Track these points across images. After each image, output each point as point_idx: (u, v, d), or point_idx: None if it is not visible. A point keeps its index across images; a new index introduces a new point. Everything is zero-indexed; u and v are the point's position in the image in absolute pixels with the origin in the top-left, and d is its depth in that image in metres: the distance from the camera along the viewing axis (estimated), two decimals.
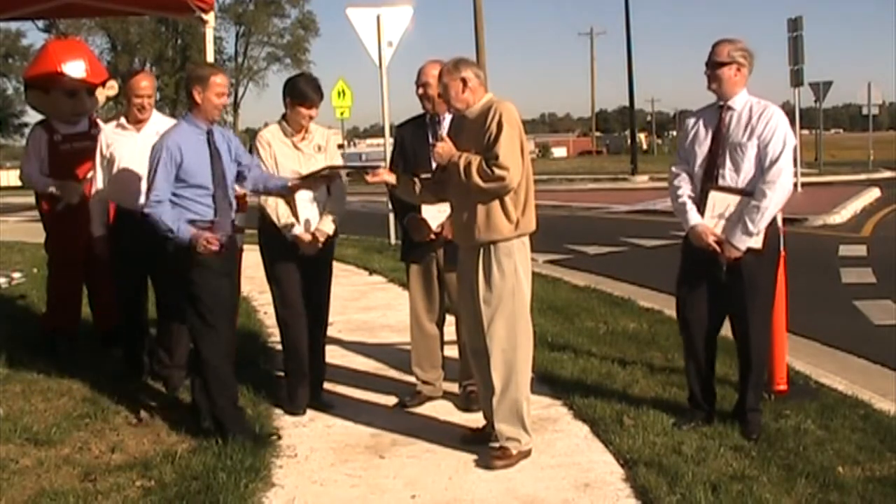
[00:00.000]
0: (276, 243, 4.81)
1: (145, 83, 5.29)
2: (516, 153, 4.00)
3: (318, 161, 4.81)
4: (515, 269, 4.10)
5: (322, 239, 4.79)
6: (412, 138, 4.89)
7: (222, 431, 4.30)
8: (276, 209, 4.76)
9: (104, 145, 5.30)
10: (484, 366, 4.19)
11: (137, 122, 5.28)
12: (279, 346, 6.46)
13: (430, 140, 4.77)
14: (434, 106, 4.78)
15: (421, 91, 4.79)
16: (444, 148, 4.14)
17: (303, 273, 4.86)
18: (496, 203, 4.04)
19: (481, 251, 4.11)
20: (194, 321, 4.40)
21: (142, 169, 5.19)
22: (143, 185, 5.17)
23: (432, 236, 4.77)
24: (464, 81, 4.11)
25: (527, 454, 4.15)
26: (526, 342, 4.17)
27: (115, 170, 5.25)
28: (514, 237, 4.09)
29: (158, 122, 5.34)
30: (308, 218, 4.78)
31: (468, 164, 4.00)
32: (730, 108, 4.35)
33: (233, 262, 4.69)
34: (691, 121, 4.54)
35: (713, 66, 4.33)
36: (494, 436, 4.14)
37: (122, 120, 5.35)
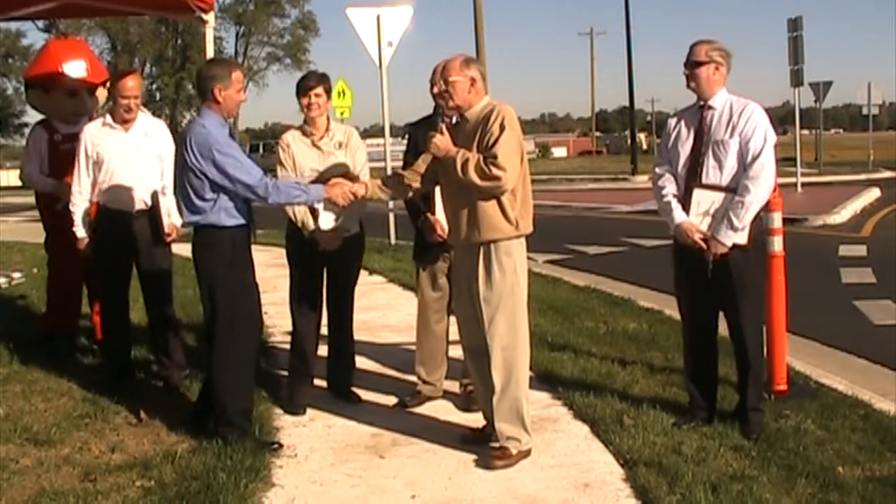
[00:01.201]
0: (297, 244, 4.91)
1: (132, 83, 5.20)
2: (515, 156, 4.02)
3: (338, 158, 4.88)
4: (515, 268, 4.12)
5: (341, 236, 4.83)
6: (424, 136, 4.88)
7: (224, 438, 4.24)
8: (294, 206, 4.83)
9: (89, 145, 5.20)
10: (482, 365, 4.19)
11: (124, 122, 5.22)
12: (279, 346, 6.47)
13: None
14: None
15: (436, 90, 4.76)
16: (442, 141, 4.15)
17: (323, 274, 4.94)
18: (494, 203, 4.05)
19: (481, 251, 4.12)
20: (222, 327, 4.30)
21: (132, 169, 5.16)
22: (134, 186, 5.15)
23: (445, 236, 4.76)
24: (472, 81, 4.15)
25: (527, 454, 4.15)
26: (525, 341, 4.18)
27: (103, 170, 5.17)
28: (514, 237, 4.10)
29: (146, 122, 5.31)
30: (324, 213, 4.81)
31: (465, 161, 4.02)
32: (710, 107, 4.39)
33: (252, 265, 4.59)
34: (673, 122, 4.57)
35: (691, 65, 4.38)
36: (495, 435, 4.14)
37: (108, 119, 5.26)
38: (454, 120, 4.72)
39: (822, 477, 3.79)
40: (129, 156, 5.17)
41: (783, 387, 4.98)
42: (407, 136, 5.07)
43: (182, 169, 4.29)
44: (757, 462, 4.00)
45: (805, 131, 39.98)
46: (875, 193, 20.32)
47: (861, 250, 11.48)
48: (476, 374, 4.34)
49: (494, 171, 3.96)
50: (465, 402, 4.93)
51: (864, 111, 34.62)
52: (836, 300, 8.29)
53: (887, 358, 6.05)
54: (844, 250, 11.47)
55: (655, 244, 12.20)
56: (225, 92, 4.27)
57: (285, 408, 4.94)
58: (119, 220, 5.18)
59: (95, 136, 5.22)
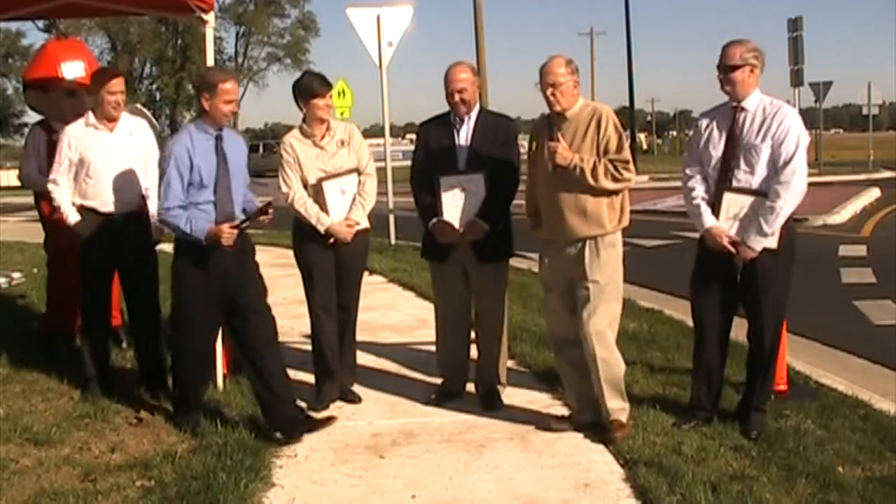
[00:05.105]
0: (308, 243, 4.91)
1: (118, 79, 5.11)
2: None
3: (341, 156, 4.89)
4: (618, 256, 4.42)
5: (354, 227, 4.87)
6: (438, 136, 4.88)
7: (180, 425, 4.52)
8: (305, 205, 4.84)
9: (72, 145, 5.05)
10: (574, 354, 4.45)
11: (110, 122, 5.12)
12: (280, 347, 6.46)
13: (455, 139, 4.82)
14: (469, 108, 4.77)
15: (457, 98, 4.72)
16: (566, 151, 4.30)
17: (333, 273, 4.94)
18: (604, 201, 4.31)
19: (586, 244, 4.34)
20: (174, 316, 4.56)
21: (118, 170, 5.08)
22: (120, 187, 5.08)
23: (456, 238, 4.76)
24: (576, 83, 4.35)
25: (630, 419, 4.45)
26: (616, 325, 4.46)
27: (88, 172, 5.07)
28: (617, 230, 4.37)
29: (129, 122, 5.24)
30: (338, 208, 4.86)
31: (594, 168, 4.25)
32: (743, 109, 4.32)
33: (232, 262, 4.56)
34: (704, 122, 4.49)
35: (725, 70, 4.29)
36: (606, 412, 4.39)
37: (92, 119, 5.11)
38: (468, 120, 4.76)
39: (822, 477, 3.80)
40: (116, 156, 5.09)
41: (783, 387, 4.98)
42: (416, 135, 5.06)
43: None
44: (757, 462, 4.01)
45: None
46: (875, 193, 20.30)
47: (861, 250, 11.48)
48: (565, 363, 4.59)
49: (626, 174, 4.28)
50: (484, 401, 4.93)
51: (864, 111, 34.56)
52: (836, 300, 8.29)
53: (887, 358, 6.06)
54: (844, 250, 11.47)
55: (655, 244, 12.22)
56: (211, 102, 4.36)
57: (310, 404, 4.94)
58: (103, 223, 5.09)
59: (79, 137, 5.09)
